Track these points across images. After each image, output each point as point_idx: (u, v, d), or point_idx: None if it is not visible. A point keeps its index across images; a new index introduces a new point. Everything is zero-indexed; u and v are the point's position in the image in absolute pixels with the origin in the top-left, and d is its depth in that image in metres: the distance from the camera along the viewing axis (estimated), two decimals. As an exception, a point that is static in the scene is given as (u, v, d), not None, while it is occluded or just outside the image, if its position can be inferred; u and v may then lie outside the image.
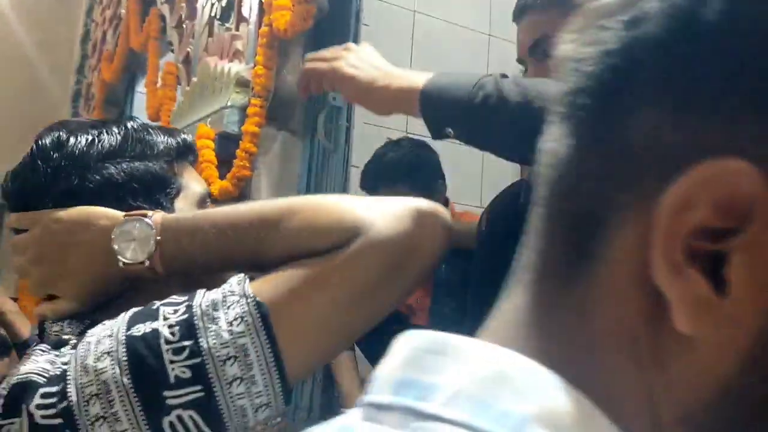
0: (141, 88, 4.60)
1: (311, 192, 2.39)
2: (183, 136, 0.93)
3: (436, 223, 0.71)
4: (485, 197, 2.62)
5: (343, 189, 2.31)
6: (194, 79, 2.86)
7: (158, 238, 0.73)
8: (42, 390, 0.64)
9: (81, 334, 0.74)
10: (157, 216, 0.75)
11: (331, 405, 2.17)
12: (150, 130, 0.90)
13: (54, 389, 0.64)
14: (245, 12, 2.65)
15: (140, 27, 3.65)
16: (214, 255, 0.73)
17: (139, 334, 0.65)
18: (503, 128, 1.00)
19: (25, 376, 0.66)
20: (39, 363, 0.68)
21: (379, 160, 2.21)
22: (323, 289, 0.67)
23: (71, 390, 0.63)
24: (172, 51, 3.35)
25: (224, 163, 2.41)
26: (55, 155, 0.80)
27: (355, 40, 2.42)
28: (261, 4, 2.49)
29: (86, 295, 0.77)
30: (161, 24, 3.48)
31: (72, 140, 0.81)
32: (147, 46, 3.53)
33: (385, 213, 0.70)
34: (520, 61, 1.35)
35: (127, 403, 0.62)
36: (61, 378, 0.65)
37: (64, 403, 0.63)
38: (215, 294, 0.68)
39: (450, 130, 1.02)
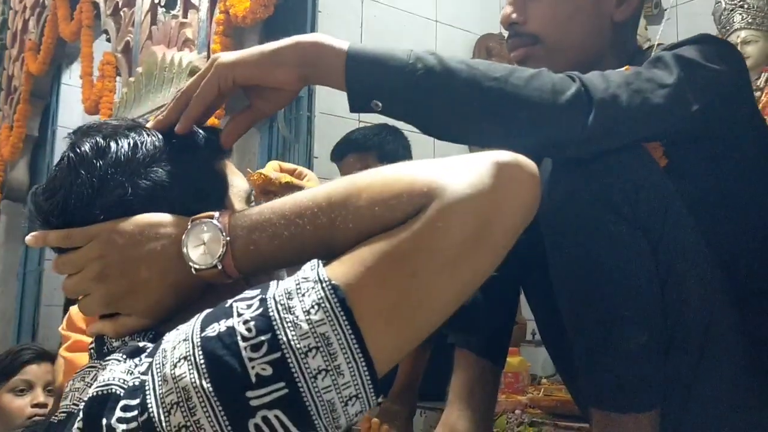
0: (67, 80, 4.40)
1: (273, 184, 2.33)
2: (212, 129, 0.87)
3: (520, 175, 0.65)
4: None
5: (309, 180, 2.26)
6: (138, 70, 2.74)
7: (228, 238, 0.68)
8: (122, 402, 0.59)
9: (154, 340, 0.69)
10: (224, 216, 0.70)
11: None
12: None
13: (134, 402, 0.59)
14: (194, -1, 2.55)
15: (70, 15, 3.47)
16: (287, 247, 0.68)
17: (215, 334, 0.60)
18: (449, 105, 0.92)
19: (105, 387, 0.61)
20: (116, 372, 0.62)
21: (349, 134, 2.17)
22: (400, 263, 0.62)
23: (151, 401, 0.58)
24: (108, 41, 3.21)
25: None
26: (99, 163, 0.73)
27: (312, 28, 2.37)
28: (213, -10, 2.41)
29: (158, 309, 0.71)
30: (94, 11, 3.32)
31: (113, 146, 0.74)
32: (79, 35, 3.36)
33: (459, 170, 0.63)
34: None
35: (209, 408, 0.58)
36: (140, 389, 0.60)
37: (145, 416, 0.58)
38: (288, 283, 0.63)
39: (378, 102, 0.90)
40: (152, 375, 0.61)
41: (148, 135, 0.77)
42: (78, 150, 0.74)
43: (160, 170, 0.74)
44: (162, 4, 2.74)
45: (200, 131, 0.82)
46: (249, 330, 0.59)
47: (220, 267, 0.68)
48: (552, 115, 0.94)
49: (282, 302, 0.61)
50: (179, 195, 0.74)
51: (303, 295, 0.61)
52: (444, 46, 3.17)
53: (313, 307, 0.60)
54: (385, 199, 0.64)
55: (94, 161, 0.73)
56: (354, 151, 2.04)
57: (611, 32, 1.19)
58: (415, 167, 0.66)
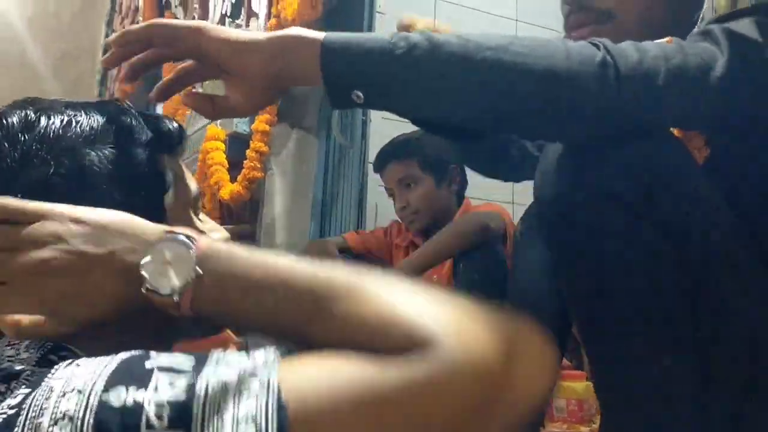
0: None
1: (327, 193, 2.25)
2: (174, 124, 0.77)
3: (541, 351, 0.52)
4: (517, 191, 2.46)
5: (361, 187, 2.15)
6: (206, 82, 2.74)
7: (198, 273, 0.56)
8: None
9: (39, 364, 0.58)
10: (200, 243, 0.58)
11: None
12: (136, 114, 0.74)
13: None
14: (255, 6, 2.52)
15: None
16: (257, 311, 0.56)
17: (117, 404, 0.47)
18: (437, 82, 0.79)
19: None
20: None
21: (389, 143, 2.05)
22: (371, 414, 0.48)
23: None
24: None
25: (237, 166, 2.28)
26: (25, 137, 0.65)
27: (370, 29, 2.27)
28: (270, -4, 2.36)
29: (88, 320, 0.60)
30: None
31: (43, 120, 0.66)
32: (162, 50, 3.44)
33: (467, 324, 0.51)
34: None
35: None
36: (5, 428, 0.48)
37: None
38: (230, 371, 0.50)
39: (359, 93, 0.79)
40: (24, 418, 0.49)
41: (87, 115, 0.68)
42: (4, 121, 0.66)
43: (93, 153, 0.65)
44: (228, 14, 2.73)
45: (151, 117, 0.73)
46: (160, 417, 0.47)
47: (176, 299, 0.56)
48: (563, 89, 0.79)
49: (213, 398, 0.47)
50: (110, 184, 0.64)
51: (242, 396, 0.47)
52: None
53: (246, 419, 0.46)
54: (376, 321, 0.51)
55: (20, 134, 0.65)
56: (394, 159, 1.92)
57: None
58: (422, 296, 0.53)
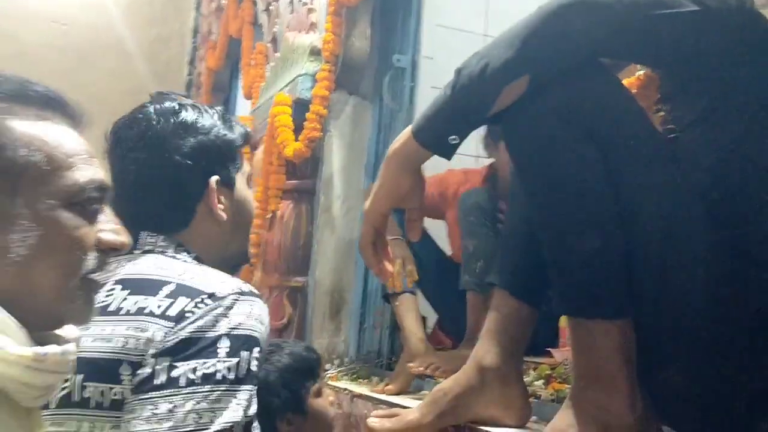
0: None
1: (379, 152, 2.52)
2: (248, 128, 1.18)
3: None
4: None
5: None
6: (276, 55, 3.06)
7: None
8: None
9: None
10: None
11: (395, 347, 2.30)
12: (232, 117, 1.15)
13: None
14: (319, -12, 2.81)
15: (237, 14, 3.90)
16: None
17: None
18: (471, 101, 1.04)
19: None
20: None
21: None
22: None
23: None
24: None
25: (301, 128, 2.58)
26: (173, 120, 1.08)
27: (418, 5, 2.53)
28: (332, -24, 2.64)
29: None
30: (254, 9, 3.72)
31: (183, 112, 1.10)
32: (242, 31, 3.77)
33: None
34: None
35: None
36: None
37: None
38: None
39: (453, 136, 1.05)
40: None
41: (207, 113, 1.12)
42: (159, 106, 1.10)
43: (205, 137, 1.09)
44: (297, -6, 3.03)
45: (236, 122, 1.16)
46: None
47: None
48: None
49: None
50: (214, 157, 1.11)
51: None
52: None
53: None
54: None
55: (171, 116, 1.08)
56: None
57: None
58: None
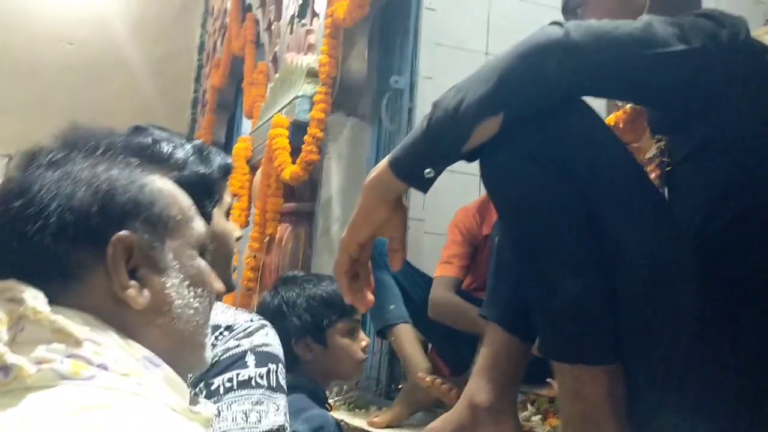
0: (249, 92, 4.91)
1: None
2: (228, 159, 1.13)
3: None
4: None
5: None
6: (276, 75, 3.04)
7: None
8: None
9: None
10: None
11: (394, 374, 2.26)
12: (210, 149, 1.10)
13: None
14: (317, 7, 2.79)
15: (239, 32, 3.90)
16: None
17: None
18: (446, 135, 1.01)
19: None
20: None
21: None
22: None
23: None
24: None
25: (298, 150, 2.56)
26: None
27: (416, 25, 2.50)
28: (328, -3, 2.62)
29: None
30: (256, 28, 3.71)
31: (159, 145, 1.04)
32: (244, 49, 3.76)
33: None
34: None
35: None
36: None
37: None
38: None
39: (427, 170, 1.02)
40: None
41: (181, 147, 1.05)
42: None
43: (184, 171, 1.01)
44: (297, 15, 3.01)
45: (217, 154, 1.10)
46: None
47: None
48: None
49: None
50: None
51: None
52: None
53: None
54: None
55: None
56: None
57: None
58: None
